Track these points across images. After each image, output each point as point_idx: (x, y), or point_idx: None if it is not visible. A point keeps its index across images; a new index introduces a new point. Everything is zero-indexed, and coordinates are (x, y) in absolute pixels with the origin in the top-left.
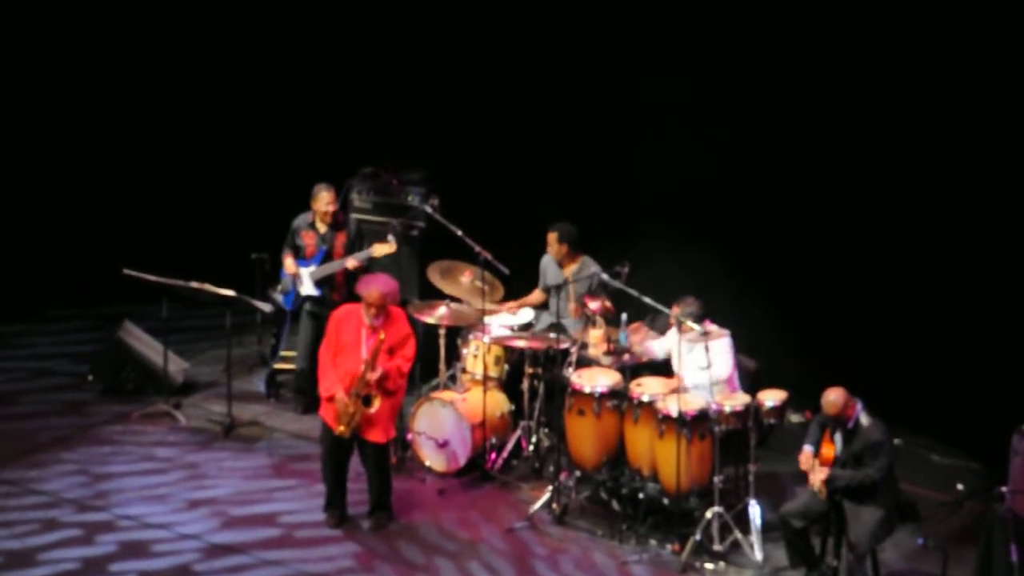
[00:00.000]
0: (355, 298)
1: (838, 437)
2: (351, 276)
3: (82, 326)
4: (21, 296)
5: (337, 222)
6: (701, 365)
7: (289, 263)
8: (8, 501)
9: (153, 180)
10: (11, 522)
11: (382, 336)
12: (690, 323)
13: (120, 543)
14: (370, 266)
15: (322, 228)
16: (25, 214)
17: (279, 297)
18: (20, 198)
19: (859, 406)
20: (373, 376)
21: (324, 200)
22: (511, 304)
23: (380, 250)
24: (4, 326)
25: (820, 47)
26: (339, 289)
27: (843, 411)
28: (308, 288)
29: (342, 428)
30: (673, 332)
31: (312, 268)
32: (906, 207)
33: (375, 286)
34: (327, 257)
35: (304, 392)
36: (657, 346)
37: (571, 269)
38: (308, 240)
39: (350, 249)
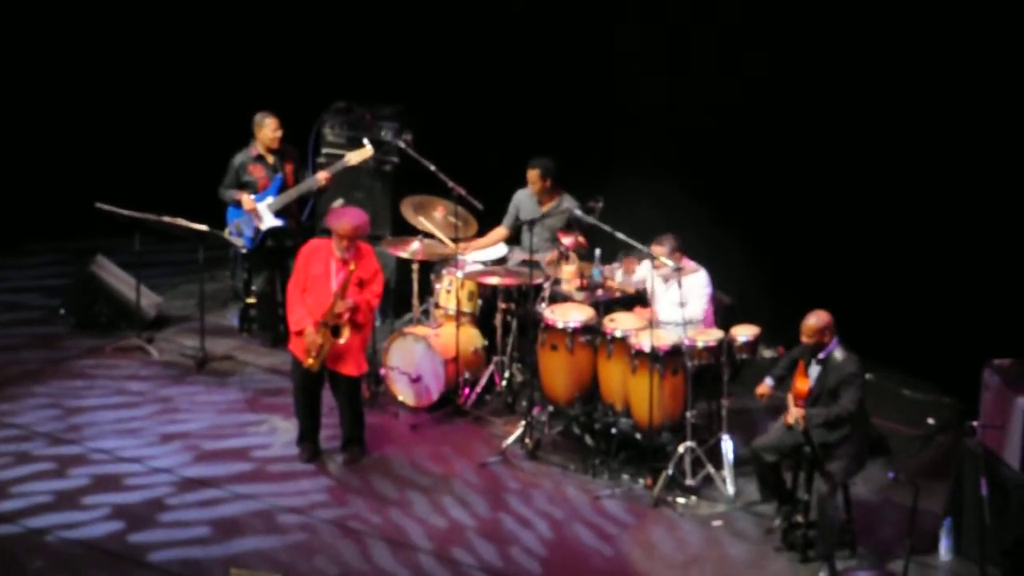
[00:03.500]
0: (312, 225)
1: (813, 371)
2: (303, 200)
3: (54, 260)
4: None
5: (282, 149)
6: (675, 302)
7: (246, 199)
8: None
9: (126, 114)
10: None
11: (352, 267)
12: (663, 259)
13: (93, 476)
14: (342, 199)
15: (270, 158)
16: None
17: (239, 240)
18: None
19: (836, 339)
20: (344, 306)
21: (271, 127)
22: (475, 243)
23: (355, 157)
24: None
25: None
26: (295, 216)
27: (822, 337)
28: (269, 221)
29: (311, 361)
30: (647, 266)
31: (270, 199)
32: (877, 140)
33: (346, 219)
34: (283, 185)
35: (268, 325)
36: (633, 279)
37: (549, 206)
38: (258, 173)
39: (298, 174)
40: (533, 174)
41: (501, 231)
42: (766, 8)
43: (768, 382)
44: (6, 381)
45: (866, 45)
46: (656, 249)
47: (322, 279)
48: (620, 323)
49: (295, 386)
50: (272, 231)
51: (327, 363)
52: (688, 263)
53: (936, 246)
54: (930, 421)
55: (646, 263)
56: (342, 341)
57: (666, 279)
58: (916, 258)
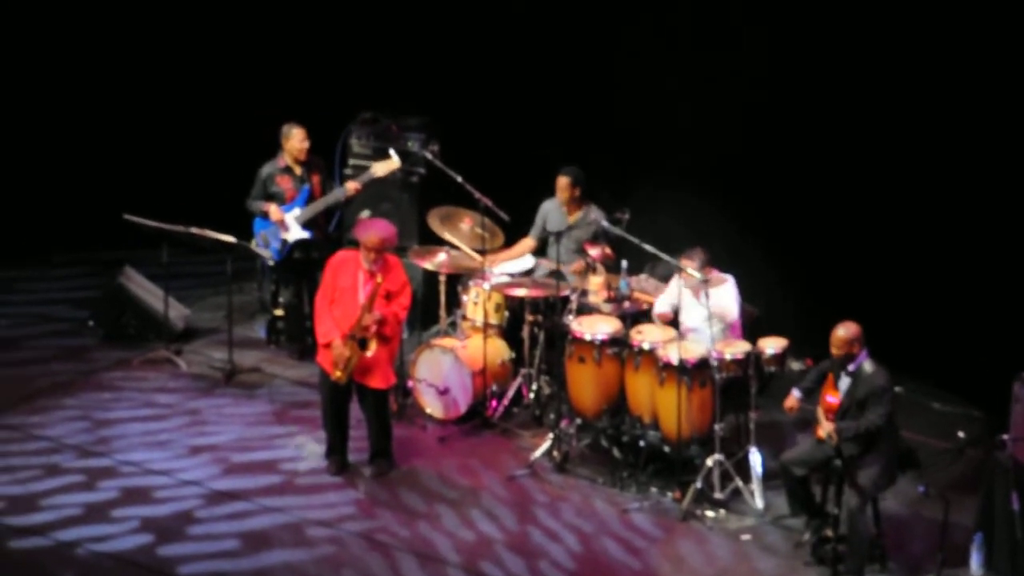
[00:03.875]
0: (339, 237)
1: (842, 383)
2: (330, 212)
3: (83, 272)
4: (22, 241)
5: (309, 161)
6: (704, 312)
7: (274, 210)
8: (10, 446)
9: (153, 125)
10: (13, 467)
11: (379, 279)
12: (690, 271)
13: (122, 489)
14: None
15: (298, 170)
16: (26, 159)
17: (266, 252)
18: (21, 143)
19: (865, 351)
20: (371, 319)
21: (299, 137)
22: (502, 254)
23: (382, 168)
24: (5, 271)
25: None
26: (322, 227)
27: (850, 348)
28: (296, 232)
29: (338, 374)
30: (674, 283)
31: (297, 211)
32: (904, 152)
33: (374, 231)
34: (310, 197)
35: (296, 338)
36: (663, 303)
37: (577, 216)
38: (285, 184)
39: (325, 185)
40: (564, 181)
41: (529, 242)
42: (794, 18)
43: (796, 395)
44: (36, 393)
45: (895, 56)
46: (686, 263)
47: (350, 291)
48: (647, 335)
49: (323, 399)
50: (299, 243)
51: (355, 376)
52: (715, 275)
53: (966, 258)
54: (960, 435)
55: (671, 284)
56: (369, 354)
57: (695, 291)
58: (946, 270)
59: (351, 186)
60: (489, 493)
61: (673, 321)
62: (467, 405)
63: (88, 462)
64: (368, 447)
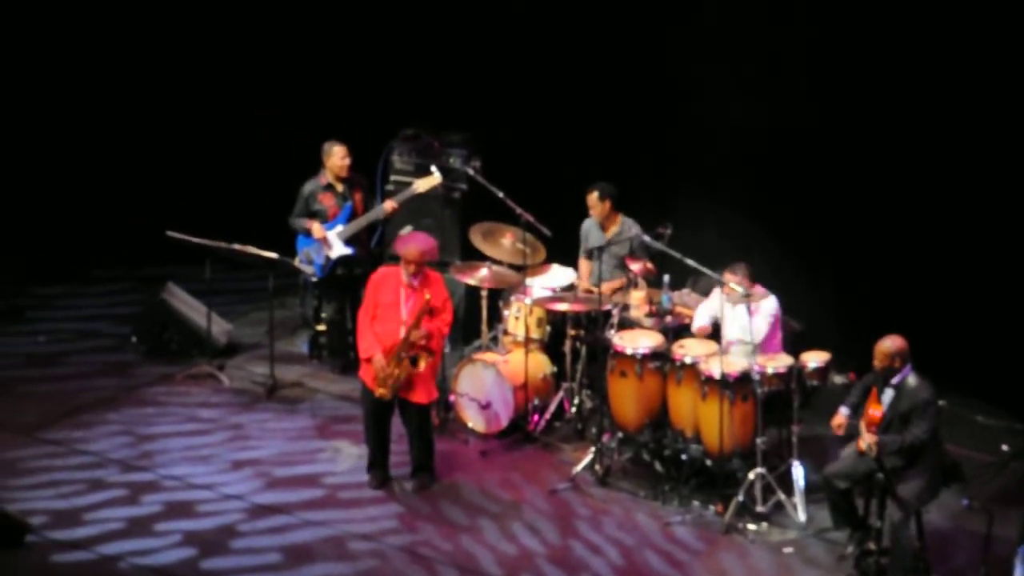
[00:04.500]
0: (381, 252)
1: (885, 397)
2: (372, 228)
3: (126, 288)
4: (65, 258)
5: (351, 178)
6: (745, 327)
7: (317, 228)
8: (54, 461)
9: (197, 142)
10: (57, 482)
11: (427, 296)
12: (734, 286)
13: (165, 503)
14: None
15: (339, 187)
16: (69, 176)
17: (309, 268)
18: (65, 160)
19: (909, 365)
20: (419, 335)
21: (339, 155)
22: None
23: (423, 184)
24: (48, 288)
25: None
26: (364, 244)
27: (892, 362)
28: (339, 249)
29: (383, 391)
30: (716, 295)
31: (339, 228)
32: (947, 166)
33: (413, 244)
34: (352, 214)
35: (338, 352)
36: (703, 315)
37: (613, 231)
38: (328, 202)
39: (367, 202)
40: (592, 197)
41: (585, 265)
42: (832, 34)
43: (843, 412)
44: (79, 408)
45: (944, 74)
46: (729, 277)
47: (391, 307)
48: (689, 349)
49: (365, 413)
50: (342, 259)
51: (397, 390)
52: (759, 290)
53: (1009, 271)
54: (1004, 448)
55: (712, 295)
56: (420, 370)
57: (736, 305)
58: (989, 283)
59: (388, 205)
60: (531, 507)
61: (714, 334)
62: (509, 419)
63: (131, 476)
64: (410, 461)
